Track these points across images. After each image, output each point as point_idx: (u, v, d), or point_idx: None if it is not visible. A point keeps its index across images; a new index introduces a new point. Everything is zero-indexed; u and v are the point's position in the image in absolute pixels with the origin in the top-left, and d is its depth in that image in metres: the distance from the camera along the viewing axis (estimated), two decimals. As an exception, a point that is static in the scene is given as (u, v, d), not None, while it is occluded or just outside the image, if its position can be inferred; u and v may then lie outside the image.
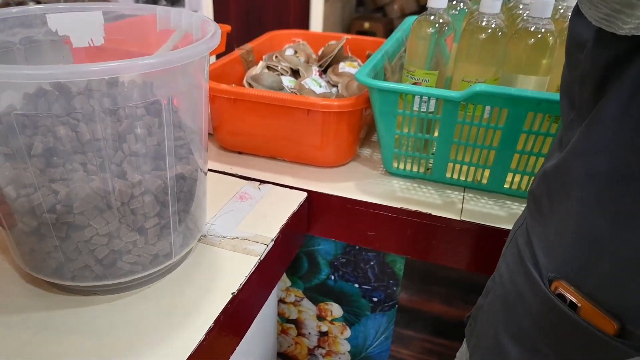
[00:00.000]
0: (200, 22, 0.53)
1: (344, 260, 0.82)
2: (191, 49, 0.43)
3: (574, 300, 0.39)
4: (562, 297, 0.40)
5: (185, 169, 0.49)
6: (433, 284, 0.81)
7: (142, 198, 0.45)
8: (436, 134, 0.70)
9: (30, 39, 0.54)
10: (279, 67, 0.91)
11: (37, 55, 0.55)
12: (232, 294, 0.52)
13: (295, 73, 0.92)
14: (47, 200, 0.42)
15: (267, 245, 0.60)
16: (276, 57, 0.93)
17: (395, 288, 0.82)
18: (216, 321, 0.49)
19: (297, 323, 0.94)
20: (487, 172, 0.71)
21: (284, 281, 0.89)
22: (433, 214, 0.69)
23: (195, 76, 0.48)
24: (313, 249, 0.82)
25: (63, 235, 0.44)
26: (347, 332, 0.90)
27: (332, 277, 0.84)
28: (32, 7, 0.54)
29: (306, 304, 0.90)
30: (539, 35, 0.64)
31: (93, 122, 0.41)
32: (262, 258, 0.58)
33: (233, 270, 0.56)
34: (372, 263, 0.81)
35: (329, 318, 0.90)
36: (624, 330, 0.37)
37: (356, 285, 0.84)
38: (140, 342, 0.46)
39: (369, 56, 0.99)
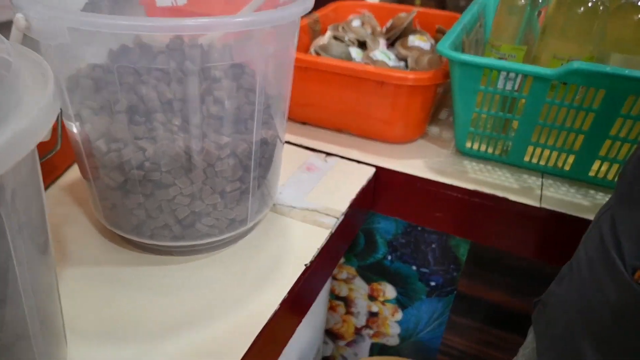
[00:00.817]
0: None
1: (403, 240, 0.80)
2: (283, 11, 0.40)
3: None
4: None
5: (268, 134, 0.48)
6: (497, 272, 0.78)
7: (228, 161, 0.44)
8: (517, 113, 0.66)
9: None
10: (346, 38, 0.87)
11: (120, 13, 0.54)
12: (304, 265, 0.51)
13: (361, 45, 0.89)
14: (135, 156, 0.41)
15: (338, 219, 0.58)
16: (343, 27, 0.90)
17: (455, 273, 0.80)
18: (290, 291, 0.48)
19: (347, 301, 0.93)
20: (570, 158, 0.67)
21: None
22: (510, 198, 0.65)
23: (285, 40, 0.46)
24: (372, 227, 0.80)
25: (148, 192, 0.43)
26: (399, 315, 0.88)
27: (389, 257, 0.83)
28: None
29: (358, 282, 0.88)
30: (647, 11, 0.59)
31: (176, 81, 0.40)
32: (332, 231, 0.57)
33: (305, 241, 0.54)
34: (433, 246, 0.78)
35: (381, 299, 0.88)
36: None
37: (414, 268, 0.82)
38: (213, 306, 0.45)
39: (439, 30, 0.94)
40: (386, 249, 0.82)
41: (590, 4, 0.61)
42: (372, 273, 0.86)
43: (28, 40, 0.37)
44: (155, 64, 0.40)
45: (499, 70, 0.63)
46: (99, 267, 0.48)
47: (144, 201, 0.44)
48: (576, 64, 0.57)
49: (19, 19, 0.35)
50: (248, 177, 0.47)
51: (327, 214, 0.59)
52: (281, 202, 0.60)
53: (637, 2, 0.59)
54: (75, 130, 0.42)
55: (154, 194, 0.43)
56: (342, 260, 0.88)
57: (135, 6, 0.56)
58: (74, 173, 0.63)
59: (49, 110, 0.26)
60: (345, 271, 0.89)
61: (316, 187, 0.64)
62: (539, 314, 0.53)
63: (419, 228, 0.77)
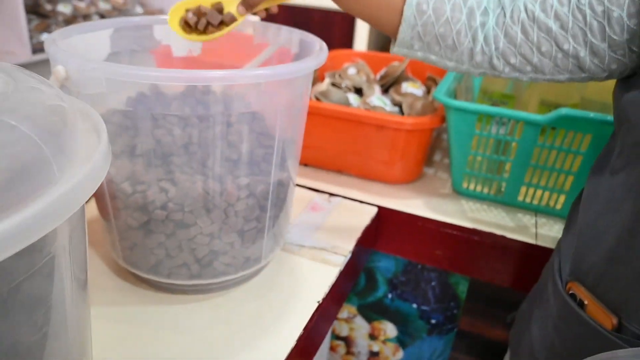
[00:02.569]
0: (299, 38, 0.55)
1: (403, 278, 0.81)
2: (299, 64, 0.44)
3: (582, 298, 0.44)
4: (574, 296, 0.45)
5: (283, 176, 0.50)
6: (497, 308, 0.79)
7: (247, 201, 0.46)
8: (510, 155, 0.70)
9: (133, 48, 0.56)
10: (343, 85, 0.92)
11: (139, 61, 0.57)
12: (317, 302, 0.52)
13: (357, 91, 0.94)
14: (159, 197, 0.43)
15: (346, 256, 0.60)
16: (339, 75, 0.95)
17: (455, 311, 0.81)
18: (305, 328, 0.49)
19: (348, 341, 0.92)
20: (562, 198, 0.70)
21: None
22: (508, 236, 0.68)
23: (299, 90, 0.49)
24: (372, 265, 0.82)
25: (169, 232, 0.45)
26: (400, 354, 0.89)
27: (390, 296, 0.84)
28: (143, 17, 0.56)
29: (359, 321, 0.89)
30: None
31: (191, 126, 0.42)
32: (342, 269, 0.58)
33: (315, 279, 0.56)
34: (433, 283, 0.80)
35: (382, 338, 0.89)
36: (620, 325, 0.41)
37: (414, 306, 0.83)
38: (231, 344, 0.46)
39: (429, 78, 1.00)
40: (386, 287, 0.83)
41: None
42: (373, 312, 0.87)
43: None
44: (170, 110, 0.42)
45: (492, 115, 0.67)
46: (115, 306, 0.49)
47: (165, 240, 0.45)
48: (564, 111, 0.62)
49: (59, 70, 0.38)
50: (264, 216, 0.49)
51: (335, 252, 0.61)
52: (290, 240, 0.62)
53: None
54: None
55: (175, 234, 0.45)
56: (345, 299, 0.88)
57: (147, 55, 0.60)
58: (87, 214, 0.64)
59: (104, 161, 0.27)
60: (346, 310, 0.89)
61: (322, 226, 0.66)
62: (513, 331, 0.60)
63: (419, 266, 0.79)
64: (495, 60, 0.45)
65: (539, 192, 0.71)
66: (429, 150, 0.87)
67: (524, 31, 0.43)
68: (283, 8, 2.31)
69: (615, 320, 0.41)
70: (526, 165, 0.69)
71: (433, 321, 0.83)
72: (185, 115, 0.42)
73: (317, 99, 0.86)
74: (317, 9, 2.28)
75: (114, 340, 0.45)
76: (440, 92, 0.69)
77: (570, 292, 0.46)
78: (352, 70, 0.99)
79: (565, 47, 0.42)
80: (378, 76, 1.02)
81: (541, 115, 0.64)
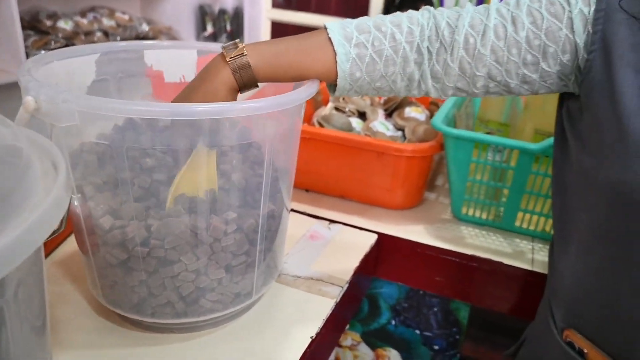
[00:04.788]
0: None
1: (406, 305, 0.74)
2: (292, 96, 0.39)
3: (581, 347, 0.40)
4: (571, 344, 0.41)
5: (275, 208, 0.44)
6: (499, 334, 0.71)
7: (234, 235, 0.40)
8: (507, 182, 0.64)
9: (125, 72, 0.51)
10: (347, 110, 0.87)
11: (128, 86, 0.52)
12: (310, 337, 0.46)
13: (361, 115, 0.88)
14: (140, 233, 0.38)
15: (343, 287, 0.53)
16: (343, 99, 0.90)
17: (458, 336, 0.73)
18: (297, 369, 0.42)
19: (351, 366, 0.85)
20: (564, 224, 0.63)
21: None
22: (505, 262, 0.61)
23: (291, 120, 0.44)
24: (375, 291, 0.75)
25: (151, 269, 0.39)
26: (403, 380, 0.80)
27: (393, 322, 0.76)
28: (132, 42, 0.52)
29: (363, 348, 0.81)
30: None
31: (182, 157, 0.37)
32: (337, 300, 0.52)
33: (309, 312, 0.49)
34: (435, 309, 0.73)
35: (385, 363, 0.81)
36: None
37: (417, 332, 0.75)
38: (218, 389, 0.39)
39: (432, 102, 0.94)
40: (390, 314, 0.76)
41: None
42: (377, 339, 0.79)
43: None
44: (160, 140, 0.37)
45: (488, 144, 0.61)
46: (96, 349, 0.42)
47: (147, 278, 0.39)
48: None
49: (29, 101, 0.33)
50: (254, 250, 0.43)
51: (332, 283, 0.54)
52: (286, 271, 0.56)
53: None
54: (76, 204, 0.39)
55: (157, 271, 0.39)
56: (346, 326, 0.81)
57: (142, 79, 0.54)
58: (69, 246, 0.57)
59: (59, 204, 0.22)
60: (350, 337, 0.82)
61: (320, 255, 0.60)
62: None
63: (421, 292, 0.72)
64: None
65: (535, 218, 0.65)
66: (431, 175, 0.81)
67: (462, 68, 0.41)
68: (297, 28, 2.28)
69: None
70: (522, 192, 0.62)
71: (436, 347, 0.75)
72: (169, 148, 0.37)
73: (320, 123, 0.81)
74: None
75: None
76: (438, 120, 0.63)
77: (568, 340, 0.41)
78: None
79: (499, 79, 0.41)
80: (382, 100, 0.97)
81: (534, 143, 0.57)
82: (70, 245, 0.57)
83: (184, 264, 0.39)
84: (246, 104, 0.35)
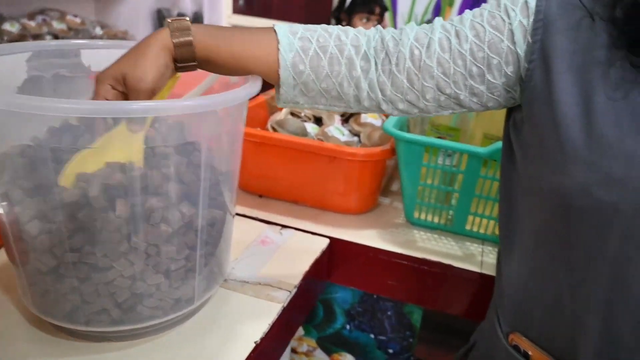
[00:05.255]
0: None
1: (360, 309, 0.75)
2: (230, 94, 0.39)
3: (526, 349, 0.42)
4: (517, 347, 0.43)
5: (216, 212, 0.44)
6: (451, 336, 0.73)
7: (171, 240, 0.40)
8: (457, 186, 0.66)
9: (60, 72, 0.50)
10: (302, 114, 0.87)
11: (65, 88, 0.51)
12: (254, 342, 0.46)
13: (317, 120, 0.89)
14: (70, 238, 0.37)
15: (290, 292, 0.54)
16: (299, 106, 0.90)
17: (411, 340, 0.75)
18: (238, 375, 0.42)
19: (308, 373, 0.85)
20: (510, 226, 0.66)
21: (297, 330, 0.81)
22: (455, 265, 0.63)
23: (232, 120, 0.44)
24: (329, 296, 0.76)
25: (83, 276, 0.38)
26: (359, 385, 0.81)
27: (348, 327, 0.77)
28: (69, 41, 0.51)
29: (319, 354, 0.81)
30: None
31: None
32: (285, 305, 0.52)
33: (255, 317, 0.49)
34: (389, 313, 0.74)
35: (341, 369, 0.81)
36: None
37: (372, 336, 0.76)
38: (154, 398, 0.39)
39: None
40: (344, 319, 0.77)
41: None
42: (332, 344, 0.80)
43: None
44: (77, 145, 0.36)
45: (438, 148, 0.63)
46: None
47: (79, 285, 0.38)
48: (500, 144, 0.57)
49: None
50: (194, 255, 0.43)
51: (280, 288, 0.54)
52: (233, 277, 0.55)
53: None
54: (1, 211, 0.37)
55: (90, 278, 0.38)
56: (302, 332, 0.81)
57: (85, 80, 0.53)
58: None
59: None
60: (306, 343, 0.82)
61: (270, 260, 0.60)
62: None
63: (374, 296, 0.73)
64: (383, 106, 0.43)
65: (484, 221, 0.67)
66: (387, 180, 0.82)
67: (410, 80, 0.42)
68: None
69: None
70: (471, 196, 0.64)
71: (390, 351, 0.76)
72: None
73: (274, 128, 0.81)
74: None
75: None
76: (389, 124, 0.65)
77: (513, 343, 0.43)
78: (311, 103, 0.95)
79: (447, 91, 0.42)
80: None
81: (483, 147, 0.60)
82: (1, 255, 0.55)
83: (117, 270, 0.38)
84: (181, 102, 0.35)
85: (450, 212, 0.69)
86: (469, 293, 0.65)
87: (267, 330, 0.48)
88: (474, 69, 0.40)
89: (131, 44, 0.53)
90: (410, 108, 0.43)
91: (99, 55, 0.47)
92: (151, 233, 0.38)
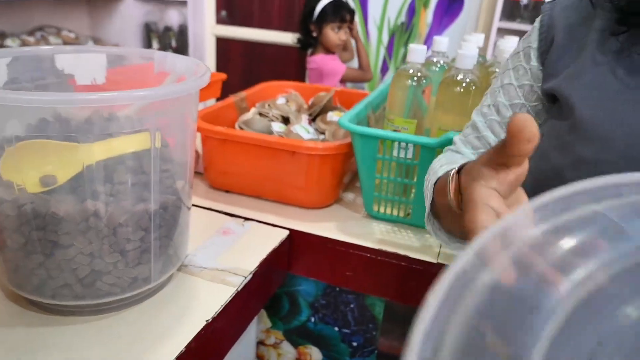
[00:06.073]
0: (193, 66, 0.59)
1: (324, 301, 0.83)
2: (181, 86, 0.48)
3: None
4: None
5: (169, 199, 0.53)
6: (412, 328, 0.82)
7: (126, 222, 0.48)
8: (414, 179, 0.75)
9: (37, 78, 0.59)
10: (270, 114, 0.97)
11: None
12: (206, 321, 0.54)
13: (286, 120, 0.98)
14: (36, 218, 0.46)
15: (245, 277, 0.62)
16: (268, 105, 1.00)
17: (374, 332, 0.83)
18: (187, 346, 0.51)
19: (277, 368, 0.93)
20: (462, 217, 0.75)
21: (265, 322, 0.90)
22: (410, 256, 0.71)
23: (184, 112, 0.53)
24: (294, 289, 0.84)
25: (48, 252, 0.47)
26: (327, 379, 0.90)
27: (312, 319, 0.86)
28: (43, 47, 0.60)
29: (285, 346, 0.90)
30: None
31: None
32: (239, 289, 0.61)
33: (209, 299, 0.58)
34: (351, 306, 0.82)
35: (309, 363, 0.90)
36: None
37: (336, 329, 0.85)
38: (112, 363, 0.47)
39: (356, 107, 1.05)
40: (309, 311, 0.85)
41: (464, 84, 0.73)
42: (298, 336, 0.88)
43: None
44: (71, 135, 0.45)
45: (392, 140, 0.72)
46: (3, 330, 0.50)
47: (45, 260, 0.47)
48: (452, 134, 0.67)
49: None
50: (148, 237, 0.51)
51: (235, 273, 0.63)
52: (193, 263, 0.64)
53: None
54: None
55: (53, 254, 0.47)
56: (269, 325, 0.90)
57: (62, 85, 0.62)
58: None
59: None
60: (273, 336, 0.90)
61: (230, 249, 0.69)
62: None
63: (337, 288, 0.82)
64: None
65: (442, 213, 0.75)
66: (351, 176, 0.91)
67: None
68: (241, 43, 2.43)
69: None
70: (426, 187, 0.73)
71: (354, 344, 0.85)
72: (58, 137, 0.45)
73: (241, 128, 0.91)
74: (271, 44, 2.41)
75: (-10, 362, 0.46)
76: (345, 118, 0.74)
77: None
78: (281, 100, 1.04)
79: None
80: (308, 104, 1.07)
81: (433, 139, 0.69)
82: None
83: (78, 247, 0.47)
84: (128, 93, 0.43)
85: (410, 205, 0.78)
86: (427, 284, 0.73)
87: (219, 311, 0.56)
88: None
89: (97, 48, 0.63)
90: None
91: (72, 60, 0.56)
92: (108, 215, 0.47)
